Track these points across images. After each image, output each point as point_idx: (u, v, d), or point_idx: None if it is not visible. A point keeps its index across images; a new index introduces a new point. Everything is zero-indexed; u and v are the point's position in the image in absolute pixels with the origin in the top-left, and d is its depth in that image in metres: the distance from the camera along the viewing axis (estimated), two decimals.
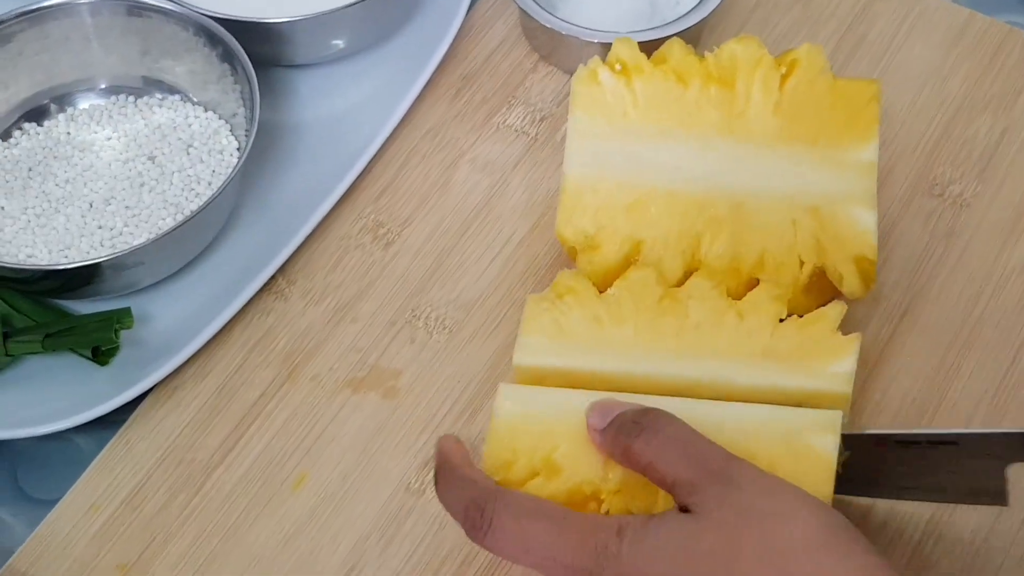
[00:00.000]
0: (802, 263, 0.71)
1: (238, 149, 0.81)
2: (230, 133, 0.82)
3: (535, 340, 0.69)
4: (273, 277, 0.78)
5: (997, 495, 0.63)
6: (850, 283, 0.71)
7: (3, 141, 0.83)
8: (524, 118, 0.84)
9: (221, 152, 0.81)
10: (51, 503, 0.72)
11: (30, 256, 0.78)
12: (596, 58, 0.73)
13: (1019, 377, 0.74)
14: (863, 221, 0.71)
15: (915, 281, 0.77)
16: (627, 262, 0.71)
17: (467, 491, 0.61)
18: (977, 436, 0.63)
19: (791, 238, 0.71)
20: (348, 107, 0.85)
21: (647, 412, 0.62)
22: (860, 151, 0.71)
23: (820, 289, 0.72)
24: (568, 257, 0.74)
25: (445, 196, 0.81)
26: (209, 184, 0.80)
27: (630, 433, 0.61)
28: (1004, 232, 0.79)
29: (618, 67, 0.73)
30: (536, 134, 0.84)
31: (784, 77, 0.73)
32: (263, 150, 0.82)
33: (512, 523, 0.59)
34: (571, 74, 0.84)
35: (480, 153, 0.83)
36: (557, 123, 0.84)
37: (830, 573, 0.55)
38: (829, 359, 0.67)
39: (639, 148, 0.72)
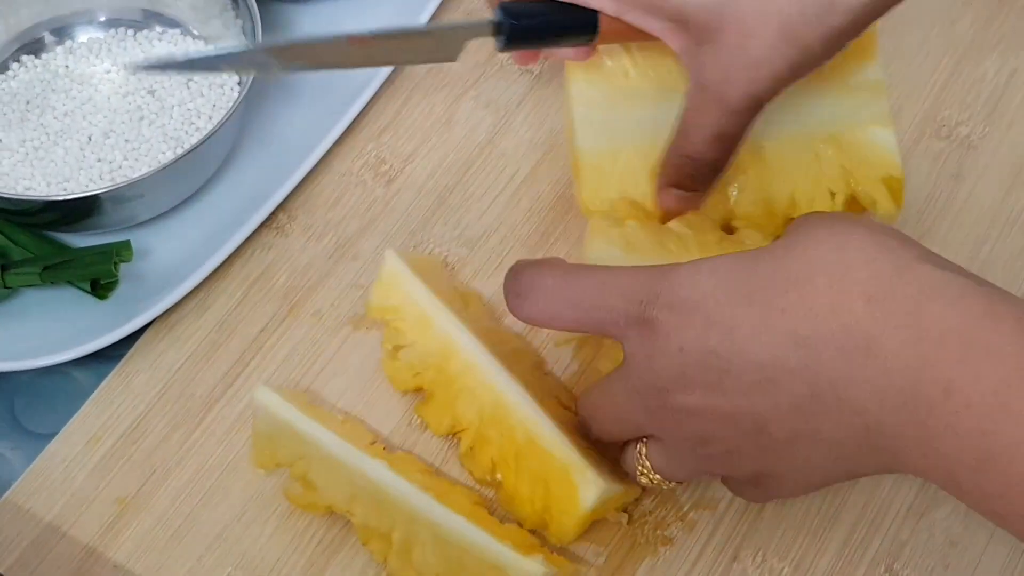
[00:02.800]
0: (833, 194, 0.70)
1: (239, 83, 0.80)
2: None
3: (605, 251, 0.67)
4: (274, 213, 0.77)
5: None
6: (884, 205, 0.70)
7: (1, 74, 0.81)
8: None
9: (222, 86, 0.80)
10: (49, 437, 0.71)
11: (28, 188, 0.77)
12: None
13: None
14: (883, 140, 0.70)
15: (922, 223, 0.77)
16: (665, 221, 0.70)
17: (514, 272, 0.61)
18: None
19: (817, 172, 0.70)
20: None
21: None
22: (866, 71, 0.71)
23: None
24: (572, 195, 0.73)
25: (448, 133, 0.81)
26: (210, 118, 0.79)
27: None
28: (1011, 174, 0.78)
29: None
30: (540, 72, 0.83)
31: None
32: (264, 85, 0.81)
33: (550, 281, 0.59)
34: None
35: (483, 90, 0.82)
36: (561, 61, 0.83)
37: (897, 254, 0.53)
38: None
39: (647, 110, 0.71)
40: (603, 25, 0.65)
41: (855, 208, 0.71)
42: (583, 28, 0.65)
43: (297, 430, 0.66)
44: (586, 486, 0.64)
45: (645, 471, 0.61)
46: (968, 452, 0.50)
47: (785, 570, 0.66)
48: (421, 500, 0.64)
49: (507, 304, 0.61)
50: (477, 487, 0.68)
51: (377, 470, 0.65)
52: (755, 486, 0.60)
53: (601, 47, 0.71)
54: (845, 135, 0.70)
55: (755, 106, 0.63)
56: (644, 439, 0.60)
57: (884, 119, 0.71)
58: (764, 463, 0.57)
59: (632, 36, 0.65)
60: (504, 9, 0.64)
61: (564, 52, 0.69)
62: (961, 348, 0.50)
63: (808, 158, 0.70)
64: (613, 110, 0.71)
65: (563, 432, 0.65)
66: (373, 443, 0.68)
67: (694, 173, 0.66)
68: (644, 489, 0.66)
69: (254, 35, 0.78)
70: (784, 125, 0.71)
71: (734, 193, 0.71)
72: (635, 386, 0.58)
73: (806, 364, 0.52)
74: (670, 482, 0.61)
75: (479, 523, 0.64)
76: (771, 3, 0.60)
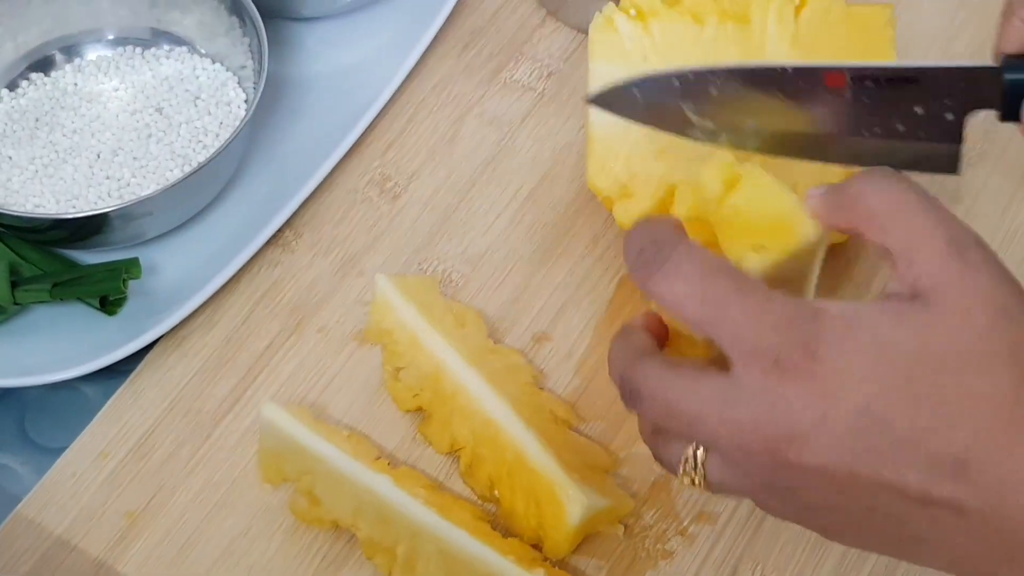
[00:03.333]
0: None
1: (246, 101, 0.81)
2: (238, 85, 0.82)
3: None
4: (280, 229, 0.78)
5: (951, 159, 0.60)
6: None
7: (10, 91, 0.83)
8: (531, 73, 0.84)
9: (229, 104, 0.81)
10: (59, 451, 0.72)
11: (38, 206, 0.78)
12: (611, 4, 0.74)
13: None
14: None
15: None
16: (662, 208, 0.71)
17: (649, 233, 0.54)
18: (938, 70, 0.60)
19: (822, 167, 0.71)
20: (356, 60, 0.85)
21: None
22: None
23: None
24: (574, 212, 0.74)
25: (452, 150, 0.82)
26: (217, 136, 0.80)
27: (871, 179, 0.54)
28: (1008, 192, 0.79)
29: (633, 12, 0.73)
30: (543, 90, 0.84)
31: (798, 8, 0.73)
32: (271, 103, 0.82)
33: (691, 268, 0.52)
34: (578, 30, 0.85)
35: (487, 108, 0.83)
36: (564, 79, 0.84)
37: None
38: None
39: None
40: None
41: None
42: None
43: (303, 446, 0.67)
44: (572, 503, 0.65)
45: (694, 476, 0.55)
46: None
47: None
48: (425, 515, 0.65)
49: (628, 265, 0.54)
50: (480, 502, 0.69)
51: (382, 485, 0.66)
52: (799, 513, 0.54)
53: (622, 29, 0.72)
54: None
55: None
56: (699, 444, 0.54)
57: None
58: (840, 522, 0.53)
59: None
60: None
61: None
62: None
63: None
64: None
65: (549, 450, 0.66)
66: (378, 458, 0.69)
67: None
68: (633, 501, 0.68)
69: (260, 53, 0.79)
70: None
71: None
72: (740, 416, 0.51)
73: (963, 485, 0.49)
74: (712, 492, 0.56)
75: (482, 538, 0.65)
76: None
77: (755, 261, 0.60)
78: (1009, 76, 0.61)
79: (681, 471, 0.55)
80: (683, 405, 0.52)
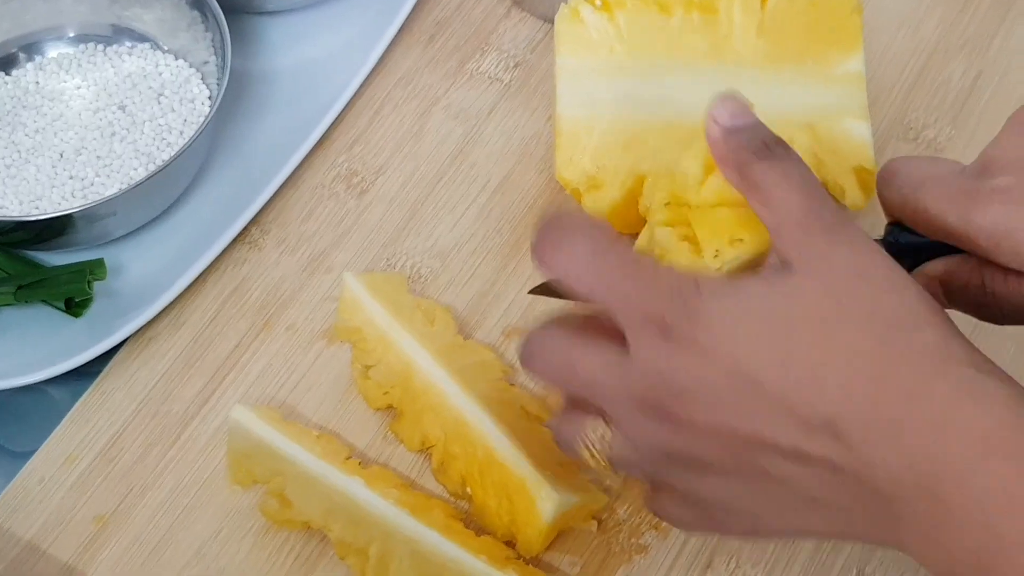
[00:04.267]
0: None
1: (209, 98, 0.81)
2: (201, 81, 0.81)
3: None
4: (247, 227, 0.78)
5: None
6: (852, 194, 0.71)
7: None
8: (497, 65, 0.84)
9: (192, 101, 0.81)
10: (27, 455, 0.72)
11: (0, 208, 0.77)
12: None
13: None
14: (858, 132, 0.71)
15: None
16: (631, 198, 0.71)
17: (556, 216, 0.58)
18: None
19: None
20: (320, 55, 0.84)
21: (781, 141, 0.58)
22: (847, 64, 0.72)
23: None
24: (543, 205, 0.74)
25: (419, 144, 0.81)
26: (181, 133, 0.79)
27: (758, 151, 0.57)
28: None
29: (599, 2, 0.73)
30: (509, 81, 0.83)
31: None
32: (235, 99, 0.82)
33: (584, 246, 0.56)
34: (544, 20, 0.84)
35: (454, 100, 0.83)
36: (530, 70, 0.83)
37: (935, 348, 0.52)
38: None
39: (630, 83, 0.72)
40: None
41: None
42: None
43: (273, 448, 0.67)
44: (544, 499, 0.65)
45: (596, 452, 0.58)
46: (971, 547, 0.50)
47: None
48: (397, 515, 0.65)
49: (532, 246, 0.58)
50: (452, 500, 0.69)
51: (353, 487, 0.65)
52: (701, 510, 0.58)
53: (588, 20, 0.72)
54: (821, 124, 0.71)
55: None
56: (603, 419, 0.58)
57: (860, 112, 0.72)
58: (739, 497, 0.56)
59: None
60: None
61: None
62: (981, 448, 0.50)
63: None
64: (595, 82, 0.72)
65: (520, 447, 0.66)
66: (348, 458, 0.69)
67: None
68: (607, 493, 0.68)
69: (223, 49, 0.79)
70: (762, 106, 0.71)
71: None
72: (635, 381, 0.55)
73: (834, 442, 0.52)
74: (611, 470, 0.59)
75: (454, 537, 0.65)
76: None
77: (731, 254, 0.60)
78: (891, 240, 0.61)
79: (582, 446, 0.58)
80: (582, 368, 0.56)
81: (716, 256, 0.60)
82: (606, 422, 0.58)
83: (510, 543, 0.67)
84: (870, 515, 0.53)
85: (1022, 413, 0.51)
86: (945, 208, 0.57)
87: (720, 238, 0.64)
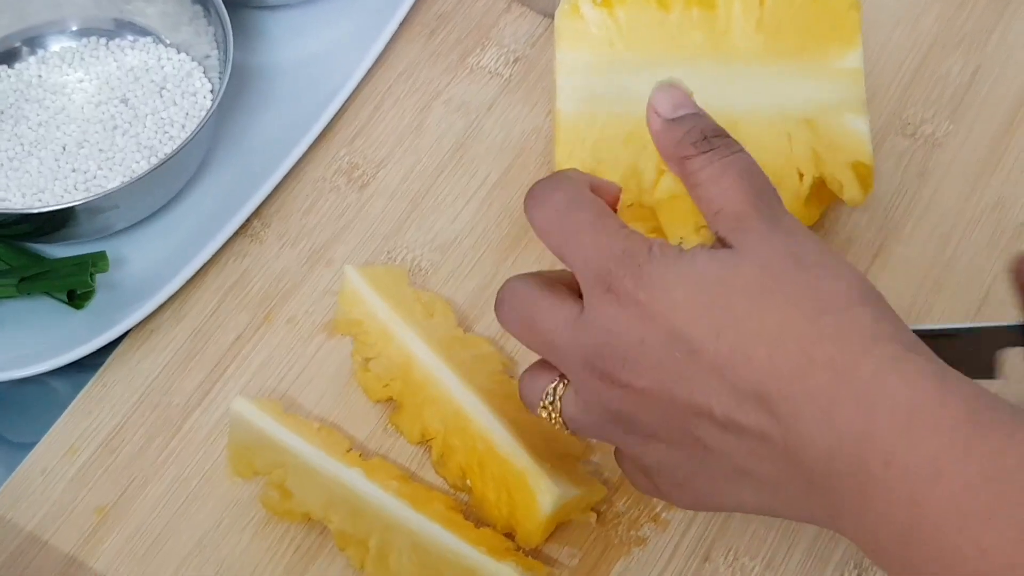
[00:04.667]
0: (801, 175, 0.72)
1: (212, 91, 0.81)
2: (203, 75, 0.82)
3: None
4: (248, 220, 0.78)
5: (988, 371, 0.63)
6: (850, 190, 0.72)
7: None
8: (498, 59, 0.84)
9: (195, 95, 0.81)
10: (28, 446, 0.72)
11: (3, 200, 0.77)
12: None
13: (988, 317, 0.74)
14: (856, 127, 0.72)
15: (887, 221, 0.78)
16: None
17: (552, 176, 0.61)
18: (975, 330, 0.63)
19: (788, 152, 0.72)
20: (322, 48, 0.85)
21: (721, 132, 0.60)
22: (845, 59, 0.72)
23: (819, 199, 0.73)
24: None
25: (420, 138, 0.81)
26: (183, 127, 0.80)
27: (698, 143, 0.59)
28: (975, 172, 0.79)
29: None
30: (510, 75, 0.83)
31: None
32: (237, 92, 0.82)
33: (559, 199, 0.58)
34: (543, 15, 0.85)
35: (454, 94, 0.83)
36: (531, 64, 0.84)
37: (864, 327, 0.54)
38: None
39: (629, 78, 0.72)
40: None
41: (822, 191, 0.73)
42: None
43: (273, 439, 0.67)
44: (543, 491, 0.65)
45: (551, 411, 0.61)
46: (897, 521, 0.51)
47: (756, 568, 0.67)
48: (397, 507, 0.65)
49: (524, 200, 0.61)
50: (452, 492, 0.69)
51: (353, 478, 0.66)
52: (649, 477, 0.60)
53: (588, 16, 0.72)
54: (819, 119, 0.72)
55: None
56: (561, 379, 0.60)
57: (859, 107, 0.72)
58: (679, 466, 0.58)
59: None
60: None
61: None
62: (906, 422, 0.51)
63: (781, 137, 0.72)
64: (595, 76, 0.72)
65: (520, 439, 0.67)
66: (349, 450, 0.69)
67: None
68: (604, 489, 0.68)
69: (225, 43, 0.79)
70: (761, 104, 0.72)
71: None
72: (584, 339, 0.57)
73: (765, 415, 0.54)
74: (568, 429, 0.61)
75: (454, 529, 0.65)
76: None
77: (695, 241, 0.61)
78: None
79: (540, 406, 0.60)
80: (540, 322, 0.58)
81: (681, 244, 0.61)
82: (563, 382, 0.60)
83: (509, 535, 0.67)
84: (801, 490, 0.54)
85: (947, 388, 0.52)
86: None
87: (685, 226, 0.65)
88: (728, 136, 0.59)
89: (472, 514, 0.68)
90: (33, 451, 0.72)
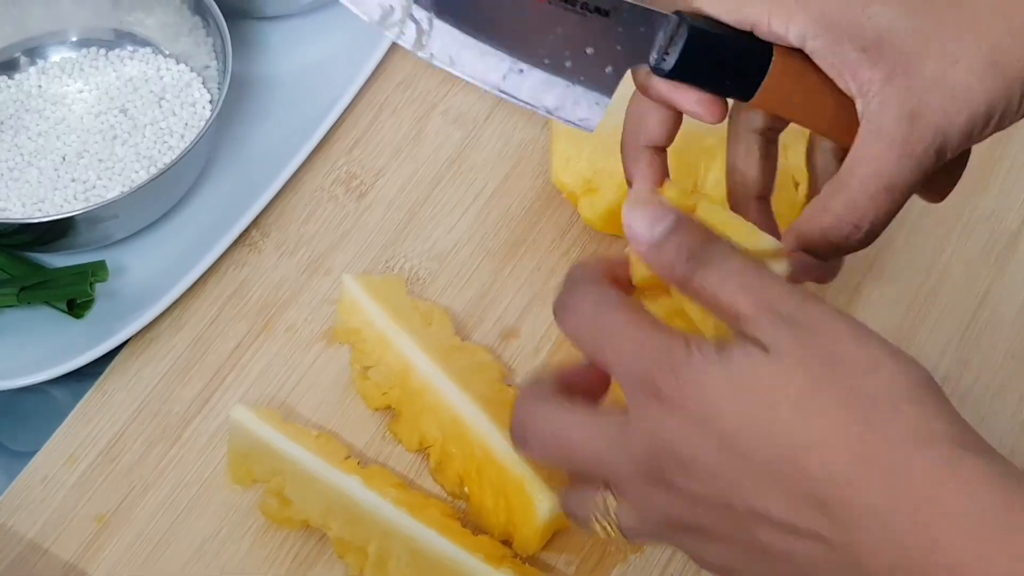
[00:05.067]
0: (797, 184, 0.72)
1: (210, 102, 0.82)
2: (202, 85, 0.82)
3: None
4: (247, 229, 0.78)
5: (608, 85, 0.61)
6: None
7: None
8: None
9: (194, 105, 0.82)
10: (29, 455, 0.72)
11: (3, 210, 0.78)
12: None
13: (983, 325, 0.75)
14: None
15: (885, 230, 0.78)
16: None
17: (570, 272, 0.57)
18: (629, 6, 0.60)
19: (783, 161, 0.72)
20: (320, 59, 0.85)
21: (708, 239, 0.56)
22: None
23: None
24: (540, 208, 0.74)
25: (417, 148, 0.82)
26: (182, 137, 0.80)
27: (689, 263, 0.55)
28: (970, 180, 0.78)
29: None
30: None
31: None
32: (235, 103, 0.83)
33: (589, 304, 0.55)
34: None
35: (452, 105, 0.83)
36: None
37: (915, 427, 0.51)
38: None
39: (622, 89, 0.73)
40: (775, 65, 0.59)
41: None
42: (754, 63, 0.59)
43: (272, 447, 0.67)
44: (541, 498, 0.66)
45: (607, 525, 0.57)
46: None
47: None
48: (395, 514, 0.66)
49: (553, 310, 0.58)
50: (450, 500, 0.70)
51: (352, 485, 0.66)
52: (712, 570, 0.57)
53: None
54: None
55: (939, 154, 0.58)
56: (609, 490, 0.57)
57: None
58: (743, 567, 0.55)
59: (795, 96, 0.60)
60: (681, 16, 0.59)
61: (690, 104, 0.60)
62: (970, 532, 0.50)
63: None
64: None
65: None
66: (347, 458, 0.69)
67: (846, 236, 0.61)
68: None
69: (224, 53, 0.79)
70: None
71: (700, 171, 0.73)
72: (636, 450, 0.54)
73: (824, 519, 0.52)
74: (626, 539, 0.58)
75: (451, 536, 0.66)
76: (976, 22, 0.56)
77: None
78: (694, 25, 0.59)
79: (593, 520, 0.57)
80: (582, 440, 0.55)
81: (716, 336, 0.60)
82: (612, 493, 0.56)
83: (507, 542, 0.68)
84: None
85: (1009, 489, 0.50)
86: None
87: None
88: (715, 241, 0.56)
89: (470, 522, 0.69)
90: (33, 459, 0.72)
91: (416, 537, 0.65)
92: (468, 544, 0.66)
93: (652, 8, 0.59)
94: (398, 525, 0.66)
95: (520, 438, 0.57)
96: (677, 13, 0.59)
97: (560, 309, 0.57)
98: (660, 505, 0.55)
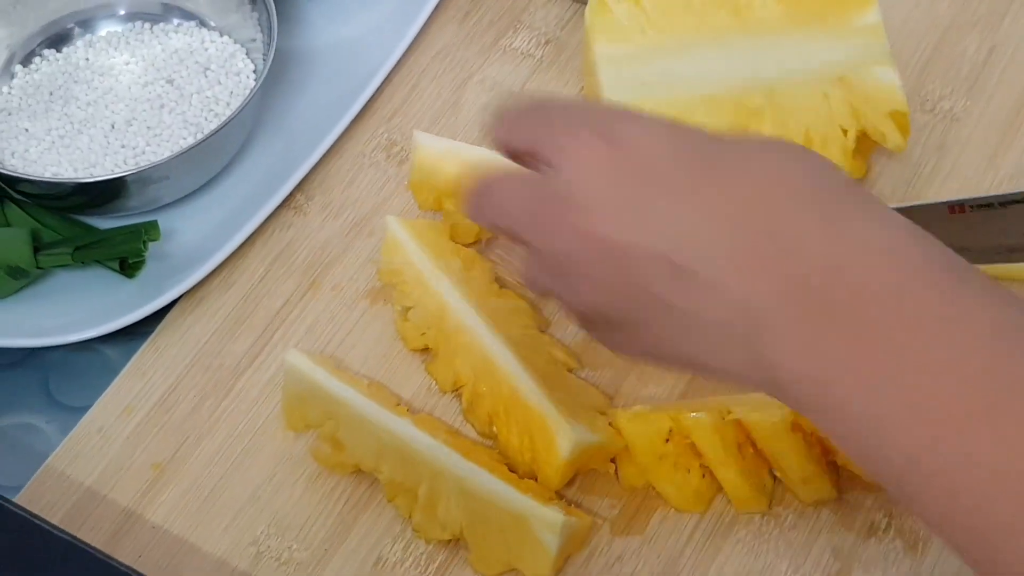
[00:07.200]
0: (845, 131, 0.76)
1: (254, 72, 0.84)
2: (246, 56, 0.85)
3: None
4: (292, 193, 0.81)
5: None
6: (892, 138, 0.76)
7: (24, 67, 0.85)
8: (530, 41, 0.87)
9: (238, 75, 0.84)
10: (82, 410, 0.74)
11: (56, 174, 0.80)
12: None
13: None
14: (887, 78, 0.76)
15: (907, 194, 0.80)
16: None
17: None
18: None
19: (828, 111, 0.75)
20: (360, 32, 0.87)
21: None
22: (864, 16, 0.77)
23: (863, 151, 0.78)
24: None
25: (455, 116, 0.84)
26: (228, 105, 0.83)
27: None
28: (992, 145, 0.82)
29: None
30: (541, 56, 0.86)
31: None
32: (279, 74, 0.85)
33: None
34: (572, 0, 0.88)
35: (488, 74, 0.86)
36: (561, 46, 0.87)
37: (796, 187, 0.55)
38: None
39: (666, 63, 0.76)
40: None
41: (866, 143, 0.77)
42: None
43: (326, 390, 0.69)
44: (562, 436, 0.67)
45: (518, 277, 0.63)
46: (851, 341, 0.51)
47: (790, 517, 0.70)
48: (446, 455, 0.68)
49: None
50: (481, 440, 0.72)
51: (404, 427, 0.68)
52: (602, 329, 0.60)
53: (615, 8, 0.76)
54: (851, 75, 0.76)
55: None
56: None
57: (885, 59, 0.76)
58: (625, 309, 0.58)
59: None
60: None
61: None
62: (879, 256, 0.52)
63: (818, 99, 0.76)
64: (633, 65, 0.76)
65: (543, 387, 0.69)
66: (398, 405, 0.71)
67: None
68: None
69: (270, 26, 0.82)
70: (793, 69, 0.76)
71: (752, 133, 0.76)
72: (543, 193, 0.58)
73: (694, 256, 0.55)
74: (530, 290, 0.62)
75: (501, 476, 0.68)
76: None
77: None
78: None
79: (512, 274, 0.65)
80: (507, 193, 0.60)
81: None
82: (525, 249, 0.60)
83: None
84: (744, 332, 0.54)
85: (914, 233, 0.54)
86: None
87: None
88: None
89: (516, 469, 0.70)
90: (90, 411, 0.74)
91: (466, 477, 0.67)
92: (518, 485, 0.68)
93: None
94: (448, 465, 0.67)
95: (477, 205, 0.62)
96: None
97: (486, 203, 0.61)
98: (555, 243, 0.58)
